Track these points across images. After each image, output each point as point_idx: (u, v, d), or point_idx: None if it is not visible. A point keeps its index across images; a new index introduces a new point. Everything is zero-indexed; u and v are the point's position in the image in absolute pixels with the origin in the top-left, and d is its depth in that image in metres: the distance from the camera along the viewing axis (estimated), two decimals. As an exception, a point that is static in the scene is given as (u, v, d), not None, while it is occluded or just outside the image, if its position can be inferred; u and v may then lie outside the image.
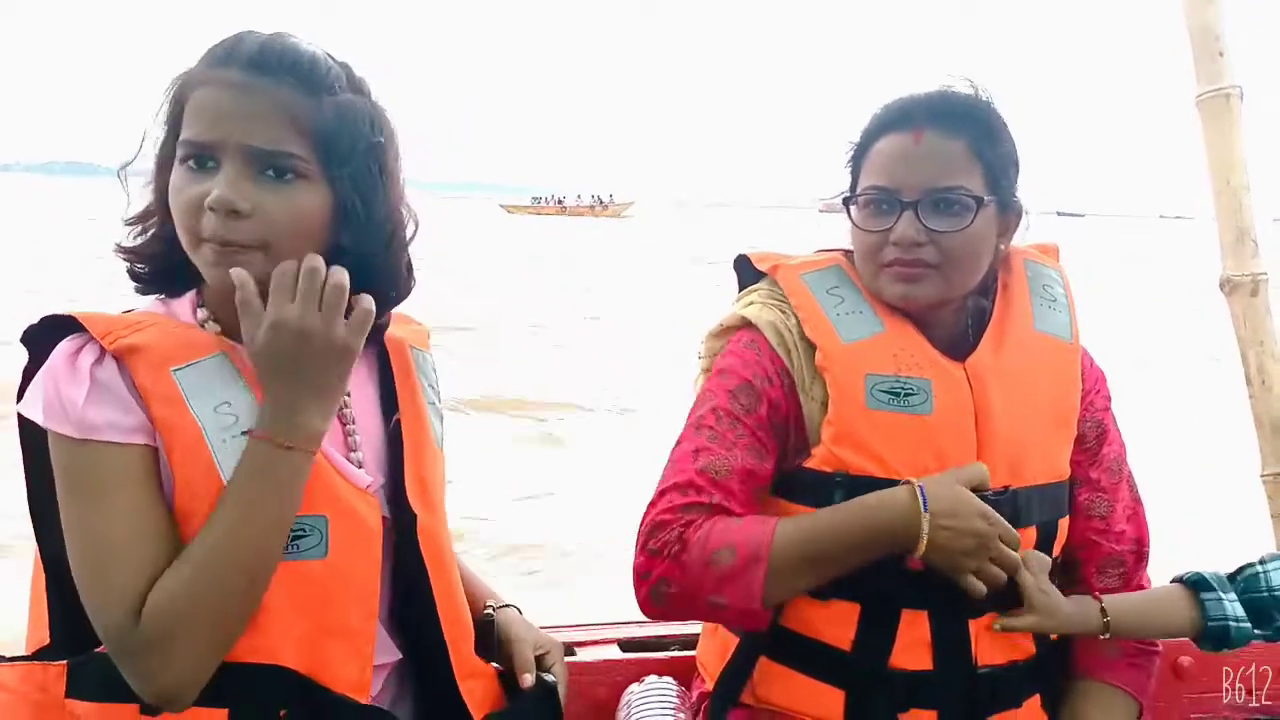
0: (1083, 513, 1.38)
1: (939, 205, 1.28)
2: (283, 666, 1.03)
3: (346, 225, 1.06)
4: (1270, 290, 2.23)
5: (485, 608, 1.29)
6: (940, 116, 1.30)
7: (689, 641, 1.72)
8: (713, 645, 1.46)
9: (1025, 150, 1.33)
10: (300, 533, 1.03)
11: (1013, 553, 1.23)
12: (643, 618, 1.34)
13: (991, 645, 1.30)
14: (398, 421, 1.17)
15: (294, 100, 1.03)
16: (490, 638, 1.25)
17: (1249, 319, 2.21)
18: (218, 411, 1.02)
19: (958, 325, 1.37)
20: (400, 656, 1.15)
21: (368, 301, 1.05)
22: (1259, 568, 1.28)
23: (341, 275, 1.04)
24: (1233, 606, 1.27)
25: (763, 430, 1.31)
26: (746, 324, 1.37)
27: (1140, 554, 1.40)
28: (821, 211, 1.58)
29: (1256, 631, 1.28)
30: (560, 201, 79.56)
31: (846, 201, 1.36)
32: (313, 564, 1.04)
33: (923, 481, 1.23)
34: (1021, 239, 1.41)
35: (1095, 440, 1.39)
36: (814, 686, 1.32)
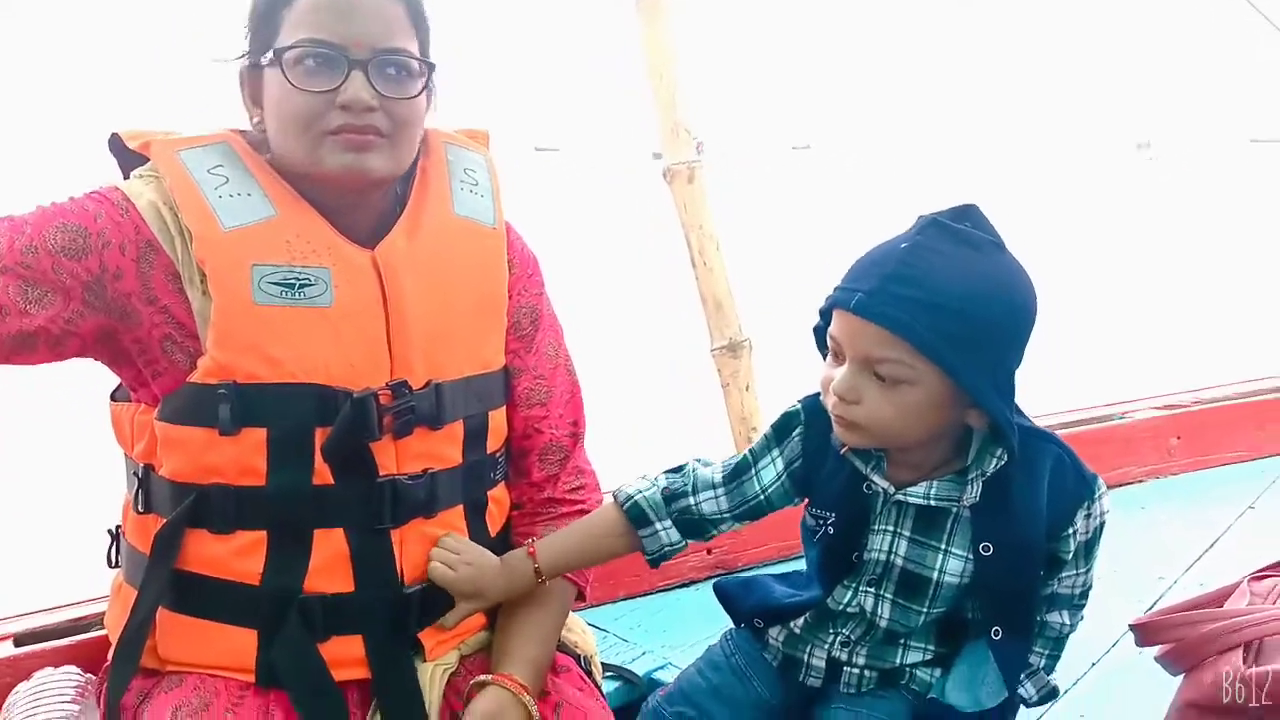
0: (523, 402, 1.32)
1: (388, 68, 1.13)
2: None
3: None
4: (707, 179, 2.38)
5: None
6: None
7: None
8: (116, 610, 1.22)
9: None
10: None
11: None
12: (43, 605, 1.06)
13: (422, 557, 1.20)
14: None
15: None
16: None
17: (689, 205, 2.34)
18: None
19: (383, 211, 1.22)
20: None
21: None
22: (691, 499, 1.25)
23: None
24: (668, 534, 1.25)
25: (68, 283, 1.09)
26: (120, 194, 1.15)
27: (576, 436, 1.38)
28: None
29: (690, 542, 1.28)
30: None
31: (256, 63, 1.15)
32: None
33: None
34: None
35: (530, 326, 1.33)
36: (222, 632, 1.14)
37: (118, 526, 1.25)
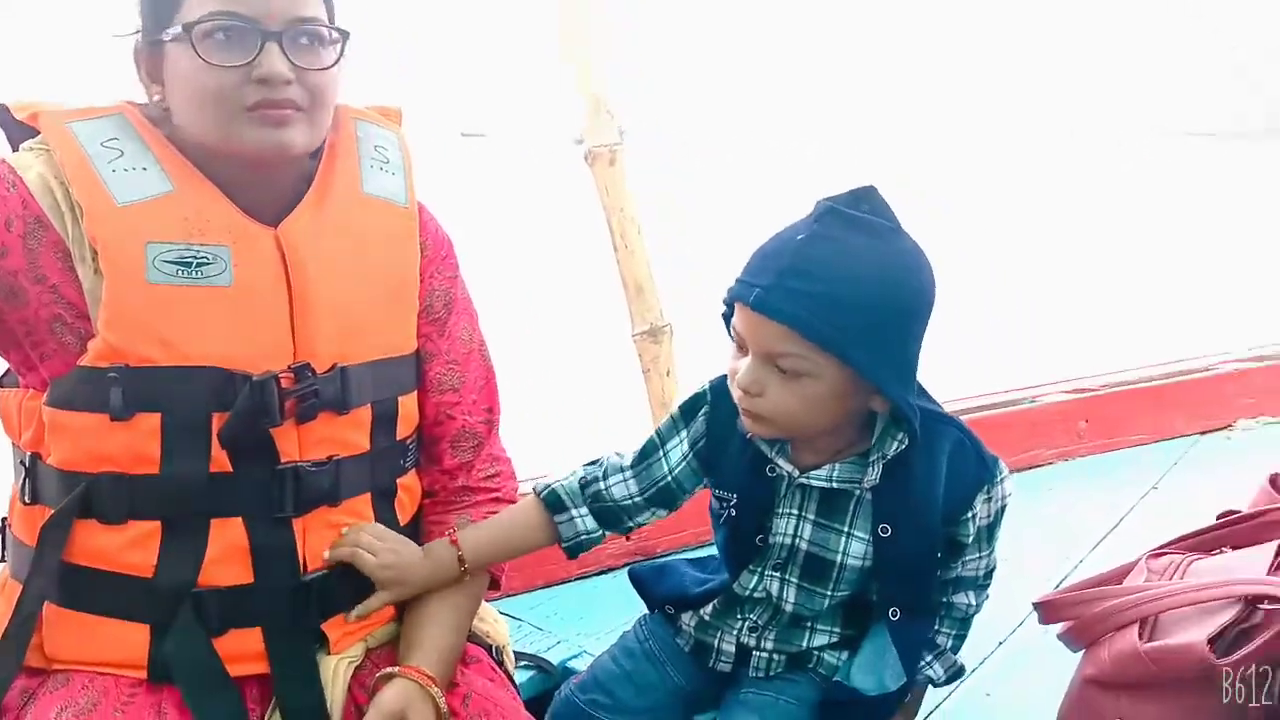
0: (435, 388, 1.29)
1: (301, 38, 1.09)
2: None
3: None
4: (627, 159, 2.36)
5: None
6: None
7: None
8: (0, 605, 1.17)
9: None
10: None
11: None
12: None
13: (326, 547, 1.17)
14: None
15: None
16: None
17: (610, 187, 2.32)
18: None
19: (289, 188, 1.18)
20: None
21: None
22: (602, 484, 1.26)
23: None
24: (584, 522, 1.26)
25: None
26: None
27: (491, 423, 1.35)
28: None
29: (607, 533, 1.28)
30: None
31: (157, 38, 1.09)
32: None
33: None
34: None
35: (443, 310, 1.30)
36: (112, 627, 1.09)
37: (3, 519, 1.19)
